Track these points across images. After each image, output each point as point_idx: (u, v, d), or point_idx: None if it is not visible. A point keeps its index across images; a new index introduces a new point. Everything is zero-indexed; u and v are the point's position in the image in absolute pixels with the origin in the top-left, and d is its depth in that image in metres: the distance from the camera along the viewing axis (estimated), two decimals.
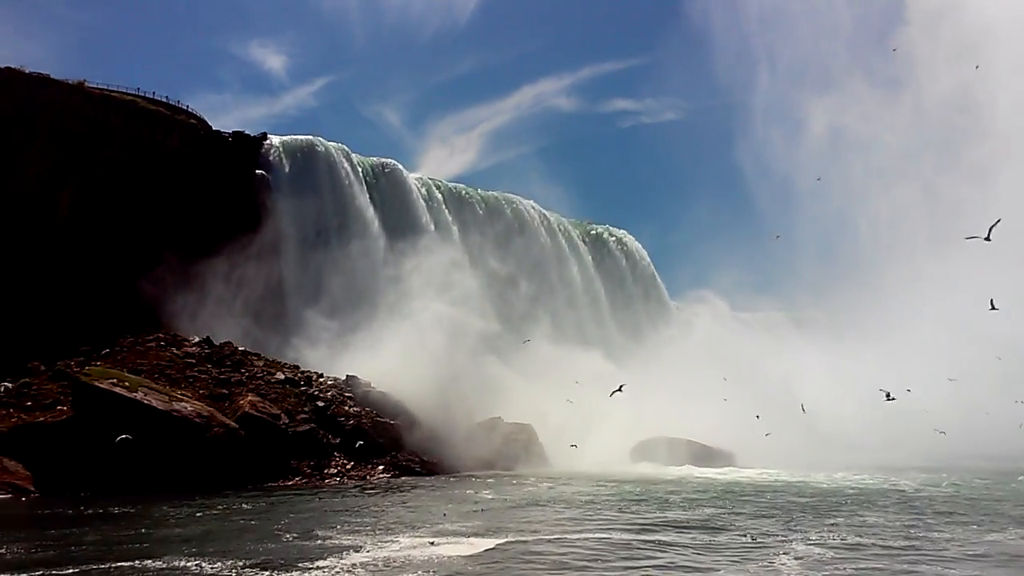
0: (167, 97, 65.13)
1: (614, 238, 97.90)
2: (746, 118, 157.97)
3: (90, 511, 30.13)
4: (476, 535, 22.64)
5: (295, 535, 23.28)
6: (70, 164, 58.05)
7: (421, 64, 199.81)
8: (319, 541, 22.21)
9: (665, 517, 27.49)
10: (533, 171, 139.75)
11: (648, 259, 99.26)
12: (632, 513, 28.68)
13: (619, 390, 46.19)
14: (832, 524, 26.19)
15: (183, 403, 40.23)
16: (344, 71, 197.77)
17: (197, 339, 53.46)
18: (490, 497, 34.08)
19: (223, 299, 60.23)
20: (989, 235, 28.77)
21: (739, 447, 59.05)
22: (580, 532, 23.53)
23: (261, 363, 52.47)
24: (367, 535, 23.04)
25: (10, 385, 43.67)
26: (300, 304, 63.94)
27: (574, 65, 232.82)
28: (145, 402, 38.69)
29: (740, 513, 28.65)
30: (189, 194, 63.23)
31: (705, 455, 55.46)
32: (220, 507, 30.96)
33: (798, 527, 25.41)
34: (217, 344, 53.25)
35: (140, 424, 38.15)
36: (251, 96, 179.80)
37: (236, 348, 53.27)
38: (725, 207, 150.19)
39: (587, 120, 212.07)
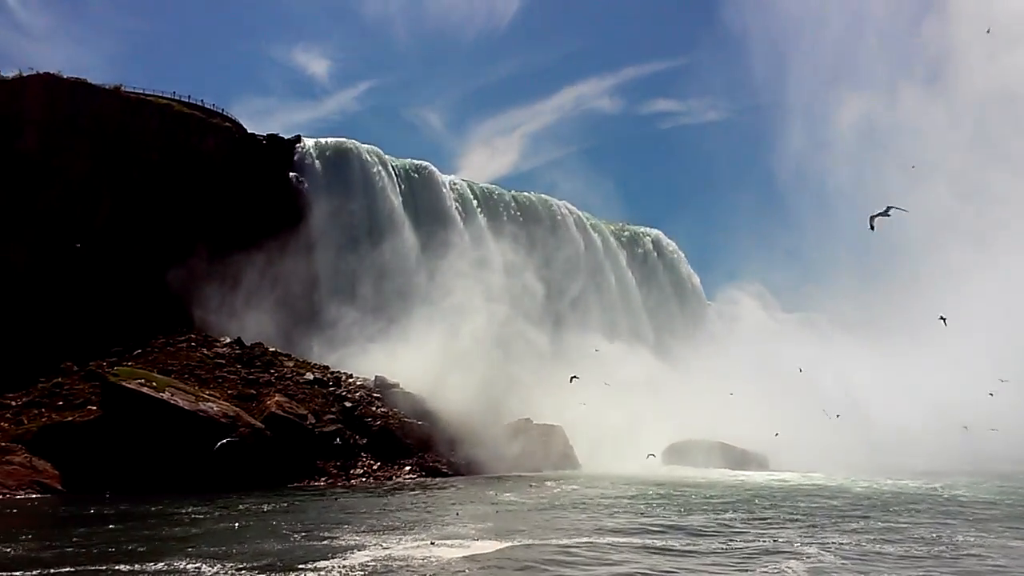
0: (203, 101, 66.10)
1: (649, 238, 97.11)
2: (783, 117, 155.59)
3: (110, 510, 30.49)
4: (482, 538, 22.42)
5: (303, 535, 23.30)
6: (107, 168, 59.01)
7: (463, 67, 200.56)
8: (325, 542, 22.17)
9: (683, 522, 26.97)
10: (574, 172, 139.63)
11: (684, 259, 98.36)
12: (650, 517, 28.23)
13: (575, 377, 46.64)
14: (855, 530, 25.57)
15: (210, 403, 40.58)
16: (387, 75, 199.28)
17: (228, 340, 54.03)
18: (509, 499, 33.86)
19: (257, 300, 60.62)
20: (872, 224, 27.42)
21: (776, 450, 58.19)
22: (588, 536, 23.17)
23: (291, 363, 52.86)
24: (373, 536, 22.96)
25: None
26: (333, 305, 64.11)
27: (616, 66, 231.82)
28: (172, 402, 39.08)
29: (762, 519, 28.04)
30: (224, 196, 63.90)
31: (739, 458, 54.75)
32: (239, 507, 31.14)
33: (819, 533, 24.80)
34: (248, 345, 53.76)
35: (167, 424, 38.66)
36: (295, 100, 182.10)
37: (266, 349, 53.73)
38: (764, 207, 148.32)
39: (628, 121, 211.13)
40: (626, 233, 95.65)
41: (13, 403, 43.50)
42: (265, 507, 31.44)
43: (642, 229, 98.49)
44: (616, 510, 30.28)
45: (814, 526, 26.32)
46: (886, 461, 56.66)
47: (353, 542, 21.93)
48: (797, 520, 27.67)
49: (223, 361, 49.82)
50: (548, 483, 42.08)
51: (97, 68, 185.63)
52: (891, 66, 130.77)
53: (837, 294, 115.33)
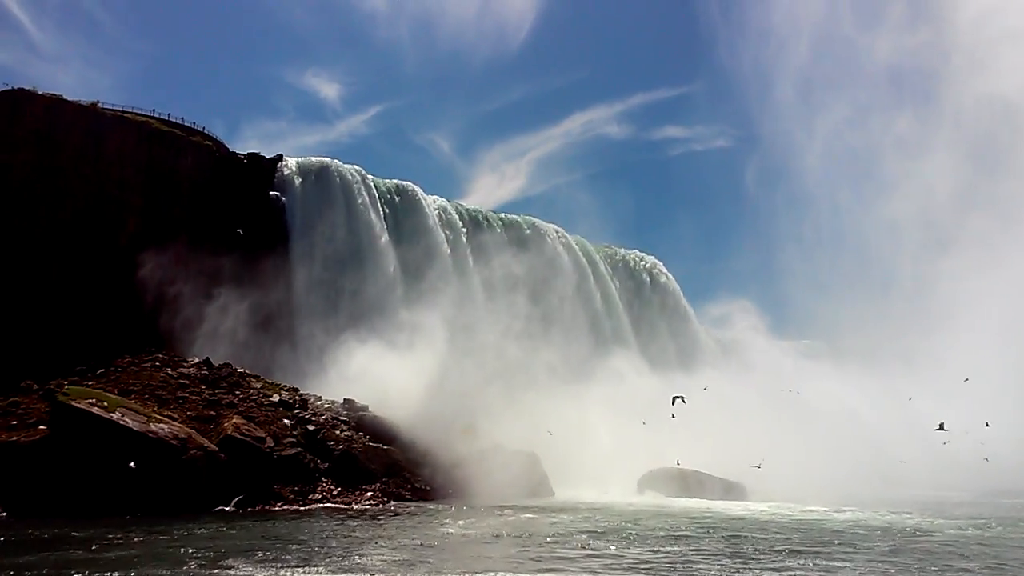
0: (183, 119, 65.86)
1: (641, 261, 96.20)
2: (786, 143, 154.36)
3: (39, 534, 29.50)
4: (383, 570, 21.41)
5: (201, 563, 22.25)
6: (82, 185, 58.51)
7: (472, 92, 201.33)
8: (216, 570, 21.14)
9: (614, 553, 25.93)
10: (581, 198, 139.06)
11: (675, 283, 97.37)
12: (584, 549, 27.07)
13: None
14: (781, 567, 24.31)
15: (161, 424, 39.64)
16: (397, 99, 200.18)
17: (196, 360, 53.13)
18: (453, 529, 32.63)
19: (233, 320, 59.99)
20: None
21: (758, 478, 57.02)
22: (502, 571, 22.07)
23: (259, 385, 51.93)
24: (270, 566, 21.97)
25: None
26: (310, 325, 63.51)
27: (624, 92, 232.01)
28: (121, 423, 38.16)
29: (699, 551, 26.81)
30: (202, 215, 63.42)
31: (714, 487, 53.48)
32: (171, 532, 30.07)
33: (744, 569, 23.72)
34: (216, 366, 52.85)
35: (115, 445, 37.70)
36: (306, 124, 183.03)
37: (235, 370, 52.85)
38: (771, 233, 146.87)
39: (637, 147, 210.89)
40: (618, 256, 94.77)
41: None
42: (197, 531, 30.38)
43: (634, 252, 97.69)
44: (558, 542, 29.04)
45: (745, 563, 25.10)
46: (879, 491, 55.25)
47: (243, 572, 20.90)
48: (735, 557, 26.44)
49: (187, 382, 48.88)
50: (507, 511, 40.88)
51: (109, 90, 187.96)
52: (888, 82, 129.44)
53: (837, 321, 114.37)
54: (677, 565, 23.87)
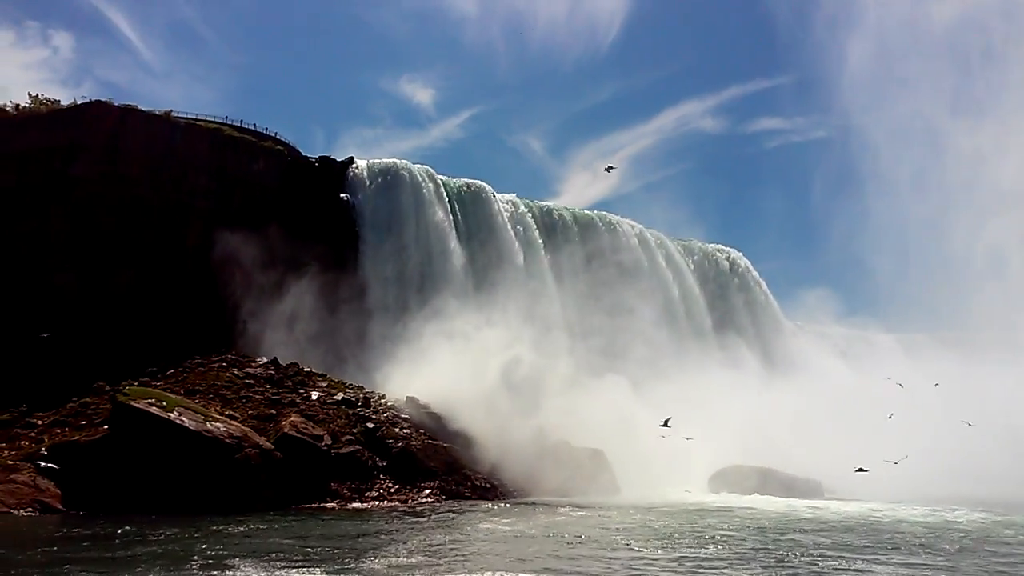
0: (255, 125, 67.06)
1: (725, 255, 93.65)
2: (879, 134, 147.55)
3: (89, 530, 30.10)
4: (382, 573, 20.97)
5: (207, 563, 22.16)
6: (158, 192, 60.31)
7: (564, 91, 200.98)
8: (214, 572, 21.02)
9: (636, 555, 24.80)
10: (674, 194, 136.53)
11: (758, 277, 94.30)
12: (615, 550, 25.97)
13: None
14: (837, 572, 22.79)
15: (218, 423, 40.21)
16: (490, 102, 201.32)
17: (264, 360, 53.99)
18: (487, 527, 31.78)
19: (306, 320, 60.83)
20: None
21: (835, 477, 54.80)
22: (497, 570, 21.34)
23: (325, 384, 52.43)
24: (270, 566, 21.66)
25: None
26: (382, 324, 63.77)
27: (718, 86, 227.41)
28: (178, 422, 38.81)
29: (739, 554, 25.40)
30: (274, 218, 64.48)
31: (788, 485, 51.38)
32: (211, 528, 30.29)
33: (811, 570, 22.39)
34: (283, 365, 53.61)
35: (172, 444, 38.37)
36: (401, 130, 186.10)
37: (301, 369, 53.51)
38: (871, 225, 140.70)
39: (732, 141, 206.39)
40: (697, 250, 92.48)
41: (40, 422, 44.23)
42: (233, 529, 30.47)
43: (716, 247, 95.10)
44: (597, 542, 28.00)
45: (793, 564, 23.68)
46: (956, 490, 52.18)
47: (241, 572, 20.75)
48: (784, 558, 24.97)
49: (252, 381, 49.72)
50: (562, 509, 40.04)
51: (213, 104, 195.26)
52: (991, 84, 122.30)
53: (929, 313, 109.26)
54: (694, 567, 22.62)
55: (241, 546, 25.83)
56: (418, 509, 40.00)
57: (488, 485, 47.17)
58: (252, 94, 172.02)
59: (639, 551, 25.71)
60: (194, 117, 64.07)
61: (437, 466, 46.47)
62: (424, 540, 27.58)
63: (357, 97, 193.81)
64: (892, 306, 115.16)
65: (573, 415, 59.42)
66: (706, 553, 25.38)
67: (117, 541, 27.33)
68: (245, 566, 21.40)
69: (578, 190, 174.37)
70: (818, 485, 52.41)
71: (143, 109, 61.14)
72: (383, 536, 29.27)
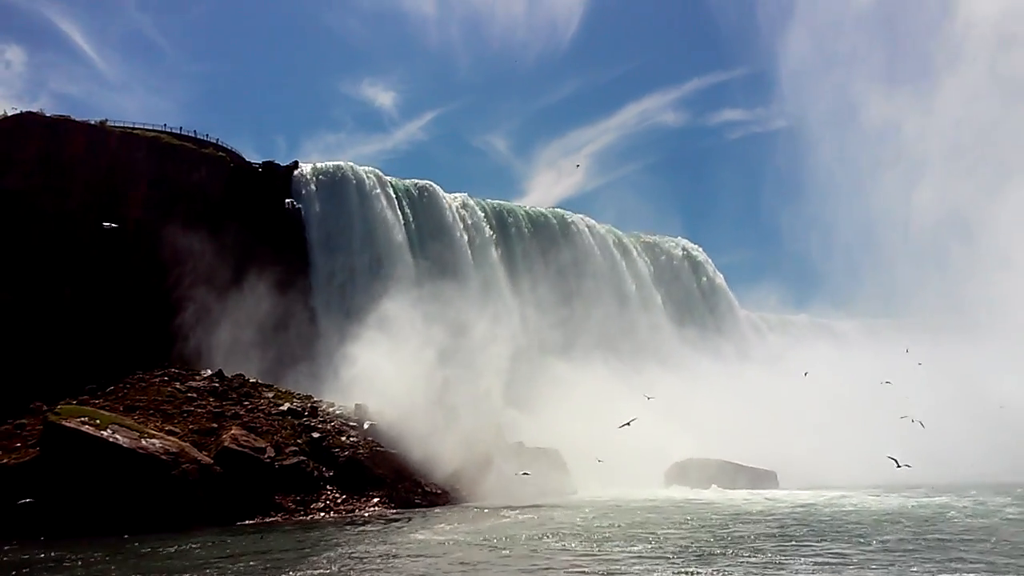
0: (195, 132, 65.86)
1: (680, 248, 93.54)
2: (844, 122, 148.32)
3: (10, 557, 28.96)
4: None
5: None
6: (94, 203, 58.84)
7: (526, 90, 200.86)
8: None
9: (554, 555, 24.30)
10: (639, 189, 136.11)
11: (715, 269, 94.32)
12: (534, 554, 25.32)
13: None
14: (769, 561, 22.33)
15: (153, 439, 39.08)
16: (452, 103, 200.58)
17: (208, 373, 52.75)
18: (420, 537, 30.74)
19: (248, 332, 59.73)
20: None
21: (793, 465, 54.97)
22: None
23: (271, 394, 51.29)
24: None
25: None
26: (329, 331, 62.85)
27: (678, 79, 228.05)
28: (111, 440, 37.65)
29: (667, 551, 24.84)
30: (219, 227, 63.25)
31: (743, 476, 51.31)
32: (138, 551, 29.30)
33: (737, 561, 21.89)
34: (228, 377, 52.39)
35: (106, 463, 37.22)
36: (364, 134, 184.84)
37: (246, 380, 52.33)
38: (831, 213, 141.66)
39: (695, 133, 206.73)
40: (652, 243, 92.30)
41: None
42: (170, 548, 29.53)
43: (672, 240, 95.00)
44: (524, 545, 27.27)
45: (724, 555, 23.23)
46: (926, 474, 52.13)
47: None
48: (721, 549, 24.52)
49: (195, 395, 48.41)
50: (508, 512, 39.44)
51: (171, 114, 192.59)
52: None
53: (893, 299, 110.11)
54: (609, 566, 22.07)
55: (157, 568, 24.88)
56: (363, 519, 39.12)
57: (440, 491, 46.41)
58: (211, 103, 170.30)
59: (561, 553, 25.10)
60: (131, 126, 62.62)
61: (386, 474, 45.60)
62: (346, 551, 26.78)
63: (318, 103, 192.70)
64: (853, 293, 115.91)
65: (532, 415, 59.12)
66: (630, 551, 24.74)
67: (27, 570, 26.14)
68: None
69: (545, 188, 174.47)
70: (774, 475, 52.31)
71: (76, 119, 59.55)
72: (308, 550, 28.35)
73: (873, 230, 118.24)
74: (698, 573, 20.60)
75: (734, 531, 29.38)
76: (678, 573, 20.73)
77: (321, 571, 23.20)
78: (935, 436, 58.79)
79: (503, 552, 25.92)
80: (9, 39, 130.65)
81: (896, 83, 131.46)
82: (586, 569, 21.73)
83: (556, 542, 27.47)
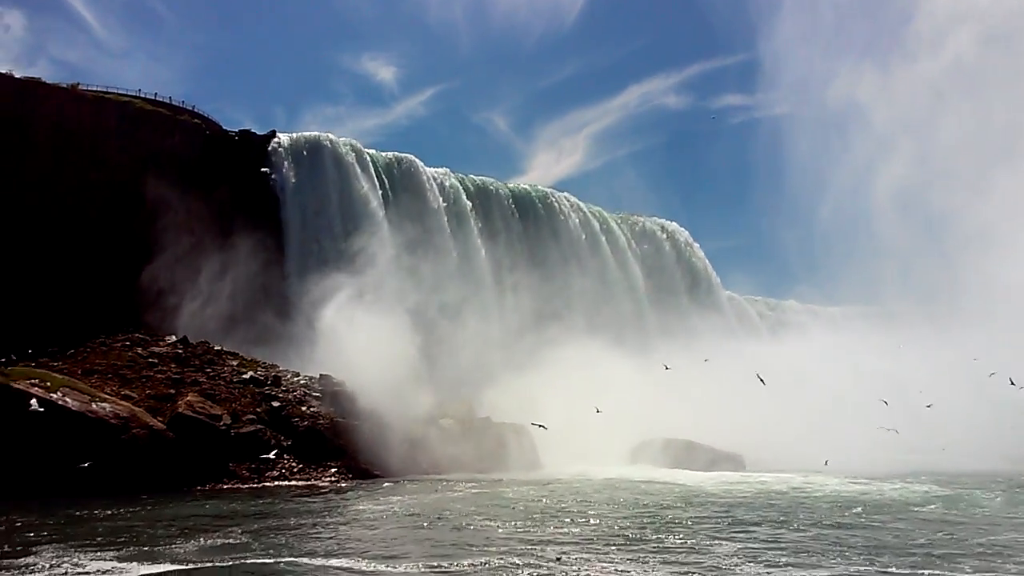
0: (170, 98, 64.89)
1: (664, 229, 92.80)
2: (848, 110, 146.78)
3: None
4: (193, 560, 19.77)
5: (17, 549, 20.79)
6: (64, 167, 58.10)
7: (528, 68, 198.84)
8: (13, 559, 19.65)
9: (480, 537, 23.78)
10: (638, 171, 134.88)
11: (696, 248, 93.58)
12: (459, 530, 24.84)
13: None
14: (696, 544, 21.88)
15: (104, 404, 38.65)
16: (453, 80, 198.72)
17: (173, 339, 52.27)
18: (370, 508, 30.50)
19: (225, 297, 59.26)
20: None
21: (762, 448, 54.50)
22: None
23: (236, 362, 50.83)
24: (82, 553, 20.33)
25: None
26: (302, 302, 62.12)
27: (682, 62, 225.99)
28: (60, 403, 37.25)
29: (596, 534, 24.35)
30: (192, 194, 62.48)
31: (707, 458, 50.77)
32: (66, 513, 28.82)
33: (661, 546, 21.46)
34: (193, 344, 51.96)
35: (55, 425, 36.82)
36: (364, 108, 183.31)
37: (211, 347, 51.89)
38: (819, 200, 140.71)
39: (696, 117, 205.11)
40: (638, 225, 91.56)
41: None
42: (106, 512, 29.08)
43: (655, 220, 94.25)
44: (452, 520, 26.75)
45: (629, 542, 22.72)
46: (901, 459, 51.54)
47: (68, 562, 19.39)
48: (674, 531, 24.09)
49: (156, 361, 47.96)
50: (466, 485, 39.15)
51: (172, 83, 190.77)
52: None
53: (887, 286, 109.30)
54: (529, 545, 21.64)
55: (73, 533, 24.33)
56: (315, 490, 38.72)
57: (399, 463, 46.00)
58: (212, 73, 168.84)
59: (485, 530, 24.61)
60: (103, 90, 61.72)
61: (345, 444, 45.21)
62: (269, 520, 26.42)
63: (318, 75, 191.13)
64: (840, 279, 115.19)
65: (505, 390, 58.66)
66: (559, 532, 24.22)
67: None
68: (50, 552, 20.05)
69: (545, 167, 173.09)
70: (741, 458, 51.86)
71: (47, 82, 58.68)
72: (233, 518, 27.95)
73: (863, 218, 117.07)
74: (613, 556, 20.06)
75: (678, 513, 28.87)
76: (592, 555, 20.22)
77: (232, 539, 22.76)
78: (935, 419, 58.14)
79: (425, 527, 25.45)
80: (9, 3, 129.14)
81: (891, 69, 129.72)
82: (502, 548, 21.20)
83: (488, 519, 26.96)
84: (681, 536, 23.35)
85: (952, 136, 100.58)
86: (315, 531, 24.68)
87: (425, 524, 26.12)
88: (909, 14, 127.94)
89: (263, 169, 65.95)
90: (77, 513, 28.78)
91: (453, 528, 25.15)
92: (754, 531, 24.56)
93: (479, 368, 62.00)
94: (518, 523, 26.02)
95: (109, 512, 29.24)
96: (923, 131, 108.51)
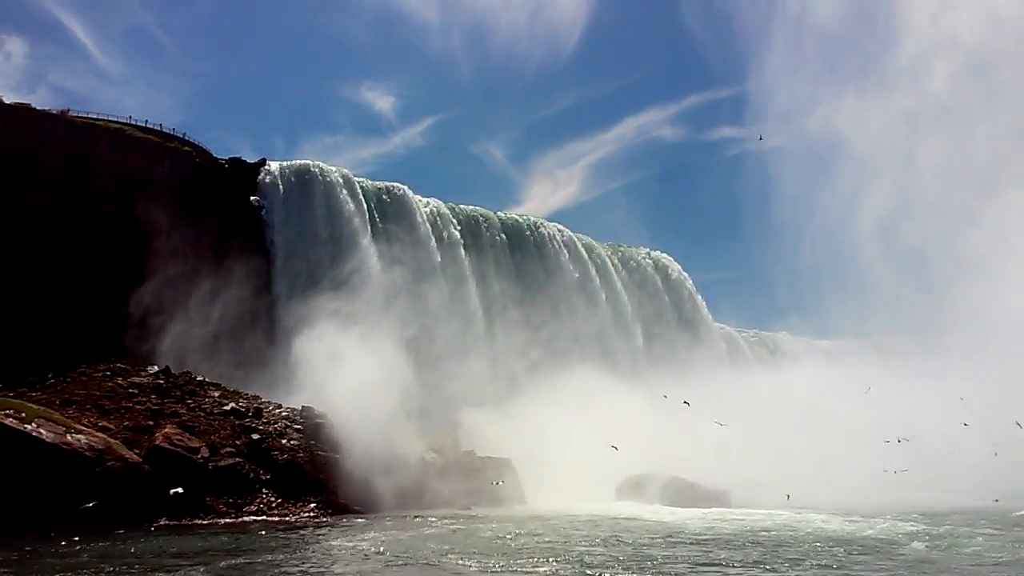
0: (161, 125, 64.87)
1: (653, 259, 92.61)
2: (831, 140, 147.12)
3: None
4: None
5: None
6: (55, 195, 57.89)
7: (525, 100, 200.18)
8: None
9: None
10: (634, 203, 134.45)
11: (686, 280, 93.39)
12: (423, 569, 24.37)
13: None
14: None
15: (80, 435, 38.12)
16: (451, 110, 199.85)
17: (155, 369, 51.73)
18: (341, 545, 29.95)
19: (211, 327, 58.93)
20: None
21: (749, 485, 53.80)
22: None
23: (217, 393, 50.26)
24: None
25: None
26: (289, 332, 61.73)
27: (678, 95, 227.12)
28: (34, 434, 36.71)
29: (587, 568, 23.91)
30: (182, 222, 62.31)
31: (693, 494, 50.19)
32: (26, 549, 28.24)
33: None
34: (175, 374, 51.44)
35: (29, 457, 36.28)
36: (362, 137, 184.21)
37: (193, 378, 51.34)
38: (805, 232, 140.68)
39: (692, 149, 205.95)
40: (627, 255, 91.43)
41: None
42: (73, 548, 28.55)
43: (646, 251, 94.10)
44: (417, 559, 26.25)
45: None
46: (869, 497, 50.98)
47: None
48: (610, 572, 23.55)
49: (136, 391, 47.40)
50: (445, 521, 38.61)
51: (172, 111, 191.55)
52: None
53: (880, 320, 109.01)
54: None
55: (23, 571, 23.77)
56: (291, 525, 38.08)
57: (380, 498, 45.27)
58: (211, 102, 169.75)
59: (460, 569, 24.15)
60: (94, 117, 61.70)
61: (325, 479, 44.59)
62: (238, 559, 25.84)
63: (318, 105, 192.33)
64: (828, 312, 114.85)
65: (490, 426, 58.14)
66: (535, 571, 23.81)
67: None
68: None
69: (541, 198, 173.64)
70: (725, 494, 51.23)
71: (36, 108, 58.59)
72: (209, 555, 27.36)
73: (849, 250, 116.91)
74: None
75: (655, 552, 28.38)
76: None
77: None
78: (928, 455, 57.50)
79: (401, 565, 24.95)
80: (10, 30, 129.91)
81: (879, 99, 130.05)
82: None
83: (463, 557, 26.46)
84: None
85: (932, 166, 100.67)
86: (281, 571, 24.12)
87: (397, 563, 25.57)
88: (891, 44, 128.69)
89: (252, 198, 65.69)
90: (39, 548, 28.19)
91: (425, 566, 24.63)
92: (731, 572, 24.06)
93: (465, 399, 61.64)
94: (491, 561, 25.51)
95: (76, 548, 28.68)
96: (902, 162, 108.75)
